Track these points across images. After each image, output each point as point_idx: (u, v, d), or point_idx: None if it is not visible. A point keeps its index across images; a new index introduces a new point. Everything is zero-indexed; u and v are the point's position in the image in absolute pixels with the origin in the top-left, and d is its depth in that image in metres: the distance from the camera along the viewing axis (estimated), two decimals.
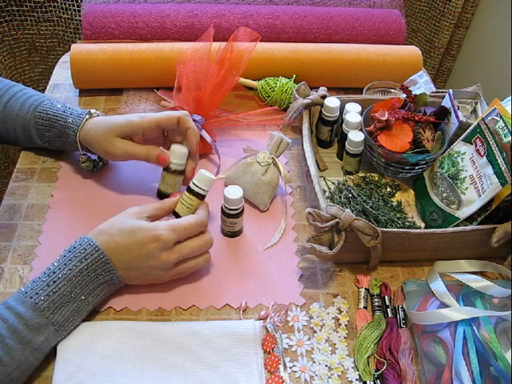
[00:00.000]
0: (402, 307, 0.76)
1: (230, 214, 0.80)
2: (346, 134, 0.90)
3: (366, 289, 0.78)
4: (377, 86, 1.03)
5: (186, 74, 0.91)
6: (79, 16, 1.42)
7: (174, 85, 0.93)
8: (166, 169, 0.81)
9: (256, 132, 1.01)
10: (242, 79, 1.03)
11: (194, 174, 0.77)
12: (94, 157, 0.89)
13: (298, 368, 0.70)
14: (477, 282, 0.75)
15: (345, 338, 0.73)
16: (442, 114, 0.89)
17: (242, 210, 0.81)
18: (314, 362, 0.71)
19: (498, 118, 0.78)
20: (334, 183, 0.91)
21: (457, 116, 0.87)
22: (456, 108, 0.89)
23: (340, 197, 0.86)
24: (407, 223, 0.84)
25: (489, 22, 1.48)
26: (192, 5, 1.14)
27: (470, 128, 0.83)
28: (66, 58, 1.14)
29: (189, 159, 0.82)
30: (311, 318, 0.75)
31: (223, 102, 0.95)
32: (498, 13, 1.44)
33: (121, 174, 0.92)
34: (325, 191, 0.90)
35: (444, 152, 0.87)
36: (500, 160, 0.76)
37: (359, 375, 0.69)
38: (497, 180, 0.76)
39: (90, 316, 0.72)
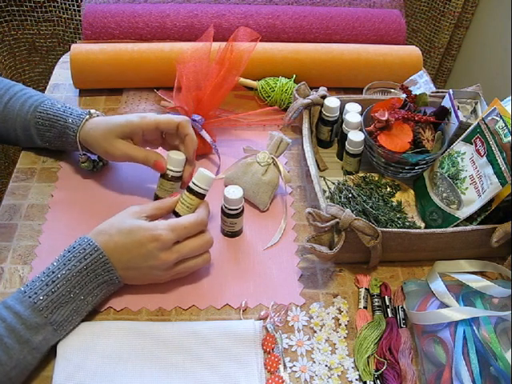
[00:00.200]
0: (402, 307, 0.76)
1: (230, 214, 0.80)
2: (346, 134, 0.90)
3: (366, 289, 0.78)
4: (377, 86, 1.03)
5: (186, 74, 0.91)
6: (79, 16, 1.42)
7: (174, 85, 0.93)
8: (163, 175, 0.81)
9: (256, 132, 1.01)
10: (241, 79, 1.03)
11: (191, 179, 0.77)
12: (93, 157, 0.89)
13: (298, 368, 0.70)
14: (477, 282, 0.75)
15: (345, 337, 0.73)
16: (442, 113, 0.89)
17: (242, 210, 0.81)
18: (314, 361, 0.71)
19: (498, 118, 0.78)
20: (334, 183, 0.91)
21: (457, 116, 0.87)
22: (456, 108, 0.89)
23: (340, 197, 0.86)
24: (407, 223, 0.84)
25: (489, 22, 1.48)
26: (192, 5, 1.14)
27: (470, 128, 0.83)
28: (66, 58, 1.14)
29: (186, 164, 0.82)
30: (311, 318, 0.75)
31: (223, 102, 0.95)
32: (498, 13, 1.44)
33: (121, 174, 0.92)
34: (325, 191, 0.90)
35: (444, 152, 0.87)
36: (500, 160, 0.76)
37: (359, 375, 0.69)
38: (497, 180, 0.76)
39: (90, 316, 0.72)
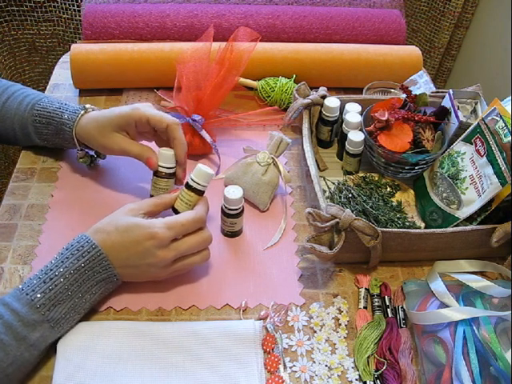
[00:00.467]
0: (402, 307, 0.76)
1: (230, 214, 0.80)
2: (346, 134, 0.90)
3: (366, 289, 0.78)
4: (377, 86, 1.03)
5: (186, 74, 0.91)
6: (79, 16, 1.42)
7: (174, 85, 0.93)
8: (156, 173, 0.80)
9: (256, 132, 1.01)
10: (241, 79, 1.03)
11: (185, 175, 0.76)
12: (91, 152, 0.89)
13: (298, 368, 0.70)
14: (477, 282, 0.75)
15: (345, 338, 0.73)
16: (442, 114, 0.89)
17: (242, 210, 0.81)
18: (314, 362, 0.71)
19: (498, 118, 0.78)
20: (334, 183, 0.91)
21: (457, 116, 0.87)
22: (456, 108, 0.89)
23: (340, 197, 0.86)
24: (407, 223, 0.84)
25: (489, 22, 1.48)
26: (192, 5, 1.14)
27: (470, 128, 0.83)
28: (66, 58, 1.14)
29: (177, 166, 0.80)
30: (311, 318, 0.75)
31: (223, 102, 0.95)
32: (498, 13, 1.44)
33: (121, 174, 0.92)
34: (325, 191, 0.90)
35: (444, 152, 0.87)
36: (500, 160, 0.76)
37: (359, 375, 0.69)
38: (497, 180, 0.76)
39: (90, 316, 0.72)
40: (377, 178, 0.91)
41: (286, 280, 0.79)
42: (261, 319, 0.74)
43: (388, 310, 0.76)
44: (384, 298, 0.77)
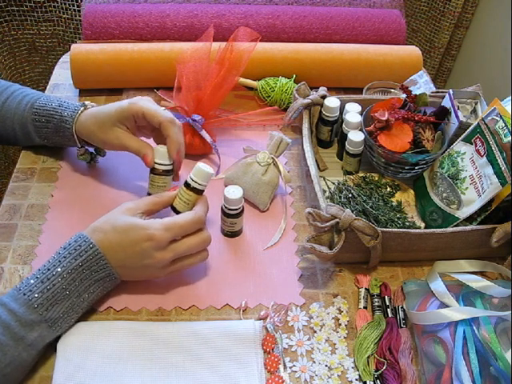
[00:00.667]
0: (402, 307, 0.76)
1: (230, 214, 0.80)
2: (346, 134, 0.90)
3: (366, 289, 0.78)
4: (377, 86, 1.03)
5: (186, 74, 0.91)
6: (79, 16, 1.42)
7: (174, 85, 0.93)
8: (153, 171, 0.79)
9: (256, 132, 1.01)
10: (241, 79, 1.03)
11: (179, 169, 0.76)
12: (91, 149, 0.90)
13: (298, 368, 0.70)
14: (477, 282, 0.75)
15: (345, 338, 0.73)
16: (442, 114, 0.89)
17: (242, 210, 0.81)
18: (314, 362, 0.71)
19: (498, 118, 0.78)
20: (334, 183, 0.91)
21: (457, 116, 0.87)
22: (456, 108, 0.89)
23: (340, 197, 0.86)
24: (407, 223, 0.84)
25: (489, 22, 1.48)
26: (192, 5, 1.14)
27: (470, 128, 0.83)
28: (66, 57, 1.14)
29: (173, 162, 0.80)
30: (311, 318, 0.75)
31: (223, 102, 0.95)
32: (498, 13, 1.44)
33: (121, 174, 0.92)
34: (325, 191, 0.90)
35: (444, 152, 0.87)
36: (500, 160, 0.76)
37: (359, 375, 0.69)
38: (497, 180, 0.76)
39: (90, 316, 0.72)
40: (377, 178, 0.91)
41: (285, 280, 0.79)
42: (261, 319, 0.74)
43: (388, 309, 0.76)
44: (384, 298, 0.77)
